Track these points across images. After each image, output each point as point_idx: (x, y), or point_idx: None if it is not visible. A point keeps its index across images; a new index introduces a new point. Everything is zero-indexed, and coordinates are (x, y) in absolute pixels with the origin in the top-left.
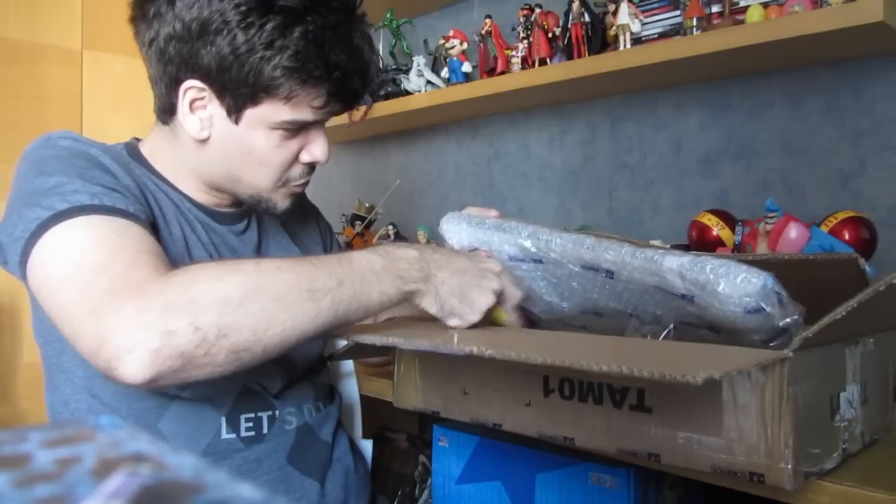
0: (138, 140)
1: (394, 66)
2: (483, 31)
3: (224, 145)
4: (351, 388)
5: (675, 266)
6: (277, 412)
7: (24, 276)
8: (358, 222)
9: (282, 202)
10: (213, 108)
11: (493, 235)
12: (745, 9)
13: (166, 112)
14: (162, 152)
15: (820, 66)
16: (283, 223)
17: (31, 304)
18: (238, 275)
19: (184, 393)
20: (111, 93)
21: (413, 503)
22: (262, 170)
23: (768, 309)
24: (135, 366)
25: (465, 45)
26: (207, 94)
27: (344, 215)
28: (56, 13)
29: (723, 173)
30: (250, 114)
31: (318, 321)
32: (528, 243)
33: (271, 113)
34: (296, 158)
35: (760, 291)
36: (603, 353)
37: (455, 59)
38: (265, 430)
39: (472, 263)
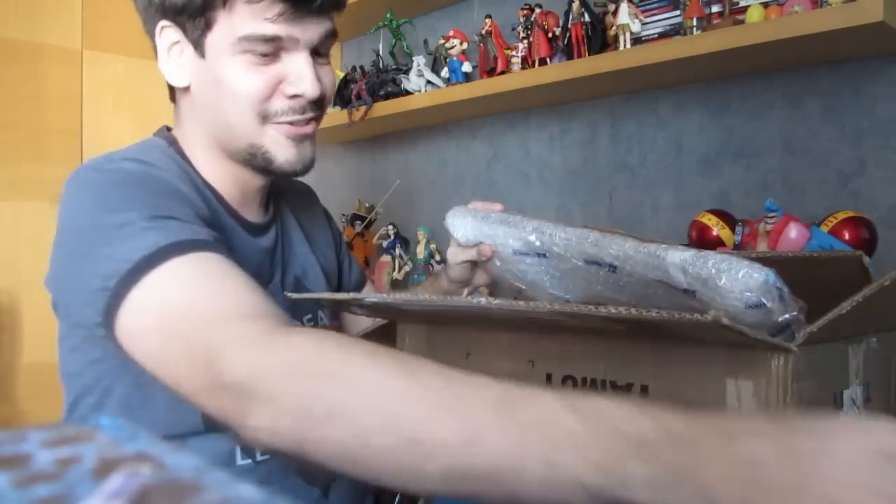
0: (169, 129)
1: (394, 66)
2: (483, 31)
3: (202, 87)
4: None
5: (678, 261)
6: None
7: (109, 335)
8: (358, 222)
9: (277, 149)
10: (187, 50)
11: (497, 229)
12: (745, 9)
13: (163, 69)
14: (186, 141)
15: (820, 67)
16: (300, 226)
17: (59, 342)
18: (332, 380)
19: (200, 427)
20: (111, 93)
21: (413, 503)
22: (238, 102)
23: (769, 304)
24: (257, 443)
25: (465, 45)
26: (179, 34)
27: (344, 215)
28: (56, 13)
29: (723, 173)
30: (210, 41)
31: (414, 485)
32: (532, 237)
33: (226, 33)
34: (274, 89)
35: (762, 287)
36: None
37: (455, 59)
38: None
39: None
